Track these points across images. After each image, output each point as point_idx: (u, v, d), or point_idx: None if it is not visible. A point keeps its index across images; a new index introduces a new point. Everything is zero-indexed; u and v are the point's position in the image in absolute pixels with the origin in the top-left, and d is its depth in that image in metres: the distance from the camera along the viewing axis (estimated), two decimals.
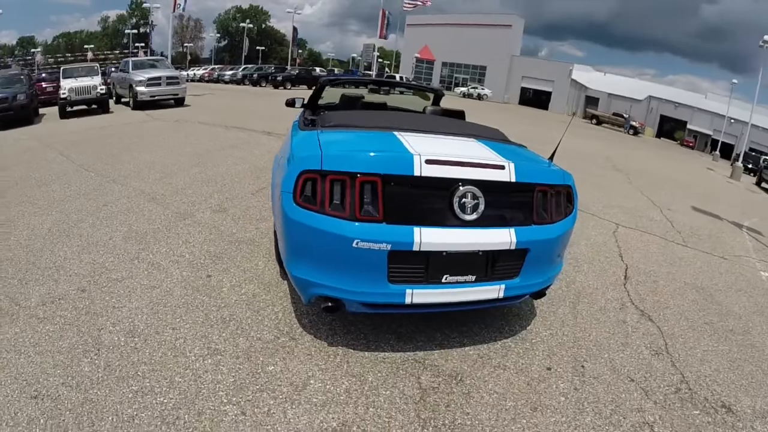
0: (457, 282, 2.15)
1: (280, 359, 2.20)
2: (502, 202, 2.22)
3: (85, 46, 53.74)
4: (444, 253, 2.06)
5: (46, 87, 15.77)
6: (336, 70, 54.20)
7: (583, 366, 2.38)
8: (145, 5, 48.42)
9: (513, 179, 2.18)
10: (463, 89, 42.68)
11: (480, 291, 2.20)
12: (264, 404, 1.91)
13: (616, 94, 41.87)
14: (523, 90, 48.39)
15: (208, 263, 3.15)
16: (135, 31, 56.15)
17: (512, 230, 2.17)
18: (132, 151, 6.76)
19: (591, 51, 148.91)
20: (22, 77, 12.62)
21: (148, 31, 36.16)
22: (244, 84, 29.90)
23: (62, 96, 11.84)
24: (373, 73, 38.86)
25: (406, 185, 2.07)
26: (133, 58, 17.77)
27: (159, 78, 12.71)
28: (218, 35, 71.03)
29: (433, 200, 2.09)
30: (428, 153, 2.10)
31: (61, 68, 13.83)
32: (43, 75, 19.76)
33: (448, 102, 4.60)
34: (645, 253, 4.42)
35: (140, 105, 12.53)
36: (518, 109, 38.05)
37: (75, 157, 6.30)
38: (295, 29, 49.53)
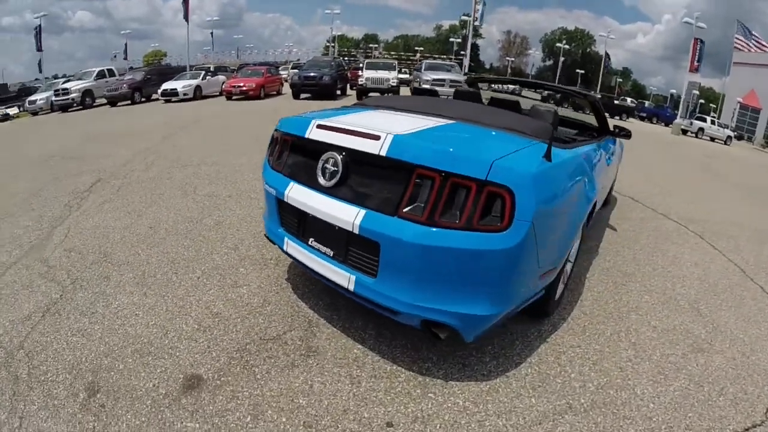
0: (319, 250, 2.17)
1: None
2: (362, 176, 2.02)
3: (416, 48, 63.46)
4: (310, 216, 2.14)
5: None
6: (646, 104, 45.27)
7: None
8: (464, 17, 50.93)
9: (382, 153, 1.91)
10: None
11: (332, 271, 2.08)
12: None
13: None
14: None
15: None
16: (459, 40, 59.45)
17: (362, 212, 1.92)
18: None
19: None
20: (332, 63, 17.73)
21: (469, 41, 38.60)
22: (549, 103, 29.30)
23: (360, 83, 15.61)
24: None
25: (298, 145, 2.38)
26: (430, 61, 20.83)
27: (443, 80, 14.79)
28: (543, 54, 74.04)
29: (308, 161, 2.24)
30: (330, 120, 2.24)
31: (365, 61, 18.10)
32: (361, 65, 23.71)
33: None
34: None
35: None
36: None
37: None
38: (606, 55, 50.80)
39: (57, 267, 3.12)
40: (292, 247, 2.30)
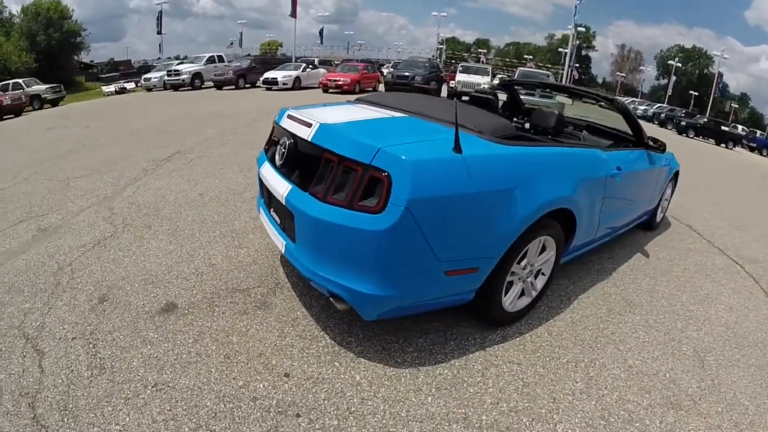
0: (273, 219, 2.59)
1: None
2: (297, 158, 2.40)
3: (525, 56, 63.69)
4: (269, 189, 2.52)
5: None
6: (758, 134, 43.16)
7: None
8: (579, 28, 49.62)
9: (309, 138, 2.24)
10: None
11: (276, 236, 2.50)
12: None
13: None
14: None
15: None
16: (566, 50, 58.12)
17: (290, 186, 2.27)
18: None
19: None
20: (426, 64, 18.95)
21: (569, 53, 40.64)
22: (653, 123, 27.87)
23: (451, 85, 16.99)
24: None
25: (275, 131, 2.84)
26: (524, 69, 22.47)
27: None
28: (657, 72, 70.67)
29: (276, 144, 2.68)
30: (302, 114, 2.55)
31: (460, 64, 20.15)
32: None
33: None
34: None
35: None
36: None
37: None
38: (719, 75, 49.40)
39: (117, 214, 4.01)
40: (263, 215, 2.80)
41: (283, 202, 2.26)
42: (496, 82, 17.67)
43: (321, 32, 51.91)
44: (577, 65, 49.98)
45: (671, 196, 4.96)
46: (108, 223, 3.80)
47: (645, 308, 3.08)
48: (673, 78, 52.57)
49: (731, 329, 2.96)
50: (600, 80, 73.86)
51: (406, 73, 16.78)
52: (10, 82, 21.06)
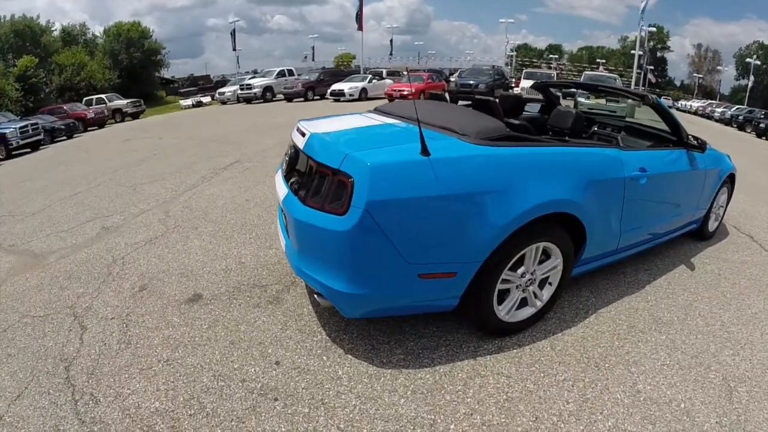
0: (283, 221, 2.73)
1: None
2: (294, 165, 2.58)
3: (598, 60, 61.77)
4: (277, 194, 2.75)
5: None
6: None
7: None
8: (650, 28, 48.78)
9: (301, 147, 2.44)
10: None
11: (281, 237, 2.72)
12: None
13: None
14: None
15: None
16: (640, 53, 55.37)
17: (287, 191, 2.47)
18: None
19: None
20: (490, 72, 19.81)
21: (637, 54, 40.85)
22: (732, 126, 26.82)
23: (517, 91, 17.83)
24: None
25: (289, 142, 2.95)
26: (589, 73, 22.76)
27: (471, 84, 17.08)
28: (736, 72, 66.39)
29: (287, 153, 2.88)
30: (304, 125, 2.73)
31: (524, 71, 21.65)
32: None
33: None
34: None
35: None
36: None
37: None
38: None
39: (171, 216, 4.54)
40: (278, 219, 3.09)
41: (281, 205, 2.53)
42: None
43: (391, 43, 53.15)
44: (651, 68, 47.01)
45: (727, 202, 4.54)
46: (161, 224, 4.33)
47: (675, 327, 2.75)
48: (752, 78, 48.73)
49: None
50: (678, 83, 69.12)
51: (470, 81, 17.01)
52: (94, 97, 23.90)
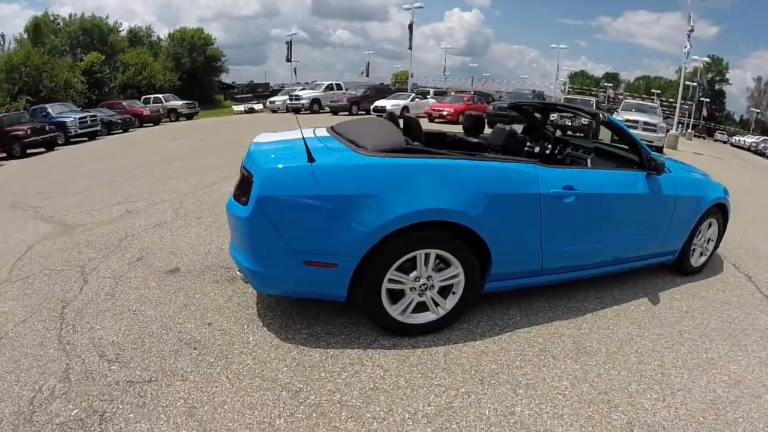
0: None
1: None
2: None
3: (652, 90, 62.59)
4: None
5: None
6: None
7: None
8: (704, 59, 47.77)
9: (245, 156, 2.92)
10: None
11: None
12: None
13: None
14: None
15: None
16: (694, 84, 51.60)
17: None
18: None
19: None
20: (529, 96, 19.50)
21: (713, 87, 38.13)
22: None
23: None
24: None
25: None
26: (629, 101, 21.91)
27: (637, 121, 15.81)
28: None
29: None
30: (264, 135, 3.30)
31: (563, 97, 21.81)
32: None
33: None
34: None
35: None
36: None
37: None
38: None
39: (184, 208, 5.43)
40: None
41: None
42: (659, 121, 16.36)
43: (444, 63, 53.96)
44: (707, 100, 44.65)
45: (719, 235, 4.17)
46: (174, 212, 5.21)
47: (598, 358, 2.61)
48: None
49: (715, 407, 2.25)
50: (737, 117, 65.21)
51: (507, 105, 17.23)
52: (152, 96, 26.18)
